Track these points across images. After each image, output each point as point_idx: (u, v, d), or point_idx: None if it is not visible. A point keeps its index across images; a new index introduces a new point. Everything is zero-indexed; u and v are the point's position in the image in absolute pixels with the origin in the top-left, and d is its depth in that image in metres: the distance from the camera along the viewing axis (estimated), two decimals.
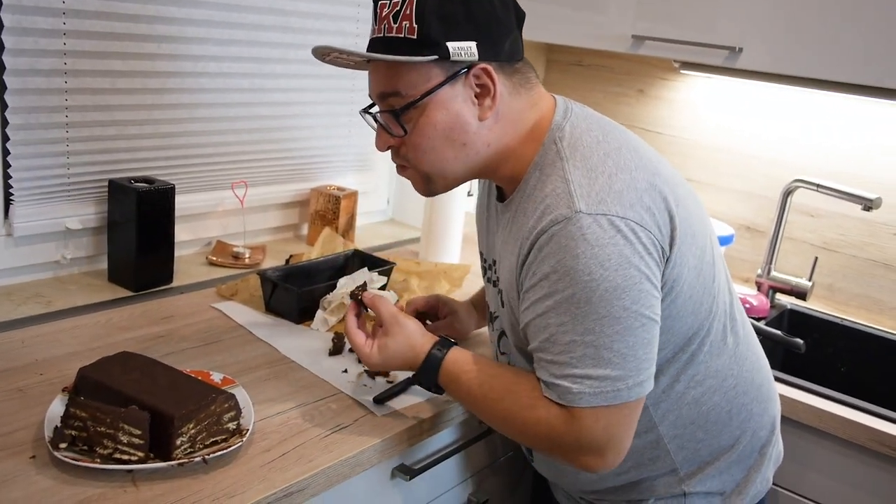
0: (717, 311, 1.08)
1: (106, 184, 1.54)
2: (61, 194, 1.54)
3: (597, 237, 0.93)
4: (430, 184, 1.09)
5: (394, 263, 1.65)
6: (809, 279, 1.82)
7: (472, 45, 0.98)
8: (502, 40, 1.01)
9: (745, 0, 1.64)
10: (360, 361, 1.32)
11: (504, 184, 1.10)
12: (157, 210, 1.53)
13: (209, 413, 1.01)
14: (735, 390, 1.12)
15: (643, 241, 0.95)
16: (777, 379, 1.41)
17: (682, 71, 2.01)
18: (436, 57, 0.98)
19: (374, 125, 1.09)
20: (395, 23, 0.98)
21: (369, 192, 2.18)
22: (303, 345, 1.38)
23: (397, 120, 1.02)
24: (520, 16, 1.05)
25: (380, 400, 1.20)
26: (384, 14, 1.00)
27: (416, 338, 1.10)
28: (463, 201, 1.91)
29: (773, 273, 1.87)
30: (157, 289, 1.56)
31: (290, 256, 1.76)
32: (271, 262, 1.79)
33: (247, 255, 1.76)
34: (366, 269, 1.51)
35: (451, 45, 0.97)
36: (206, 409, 1.00)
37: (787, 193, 1.82)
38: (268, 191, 1.93)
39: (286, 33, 1.81)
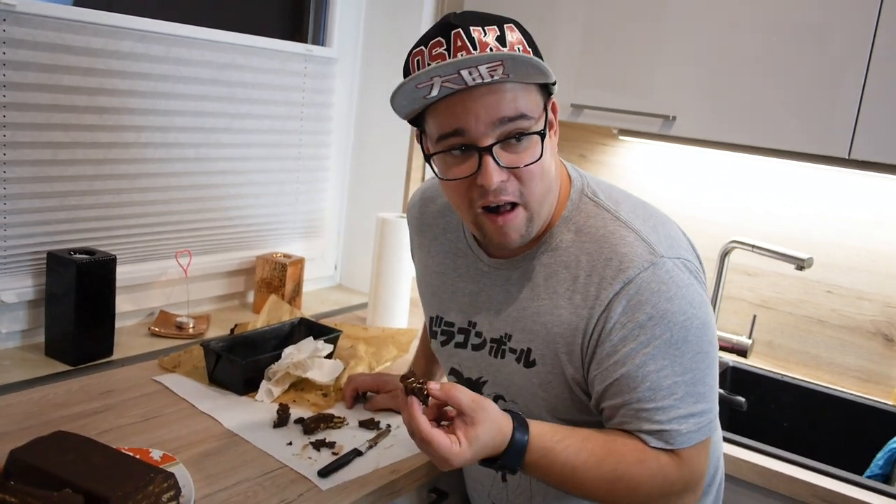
0: None
1: (44, 256, 1.51)
2: None
3: (681, 279, 0.98)
4: (531, 224, 1.02)
5: (340, 332, 1.64)
6: (749, 337, 1.86)
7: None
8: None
9: (677, 71, 1.72)
10: (314, 443, 1.31)
11: (534, 231, 1.04)
12: (98, 281, 1.50)
13: (147, 494, 0.98)
14: (718, 462, 1.17)
15: (703, 281, 1.03)
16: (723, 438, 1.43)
17: (620, 137, 2.07)
18: (555, 80, 0.98)
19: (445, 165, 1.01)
20: (503, 46, 0.93)
21: (316, 258, 2.18)
22: (247, 417, 1.35)
23: (542, 142, 0.97)
24: None
25: (325, 473, 1.18)
26: (482, 39, 0.92)
27: (500, 419, 0.97)
28: (409, 266, 1.92)
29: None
30: (97, 362, 1.52)
31: (235, 326, 1.74)
32: (216, 331, 1.76)
33: (191, 325, 1.73)
34: (311, 337, 1.51)
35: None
36: (144, 489, 0.97)
37: (725, 254, 1.88)
38: (212, 259, 1.91)
39: (232, 103, 1.83)
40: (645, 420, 0.97)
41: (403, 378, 0.97)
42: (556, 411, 1.07)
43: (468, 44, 0.92)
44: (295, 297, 1.96)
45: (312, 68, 2.02)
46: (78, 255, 1.50)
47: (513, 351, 1.08)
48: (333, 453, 1.25)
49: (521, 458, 0.96)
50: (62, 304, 1.49)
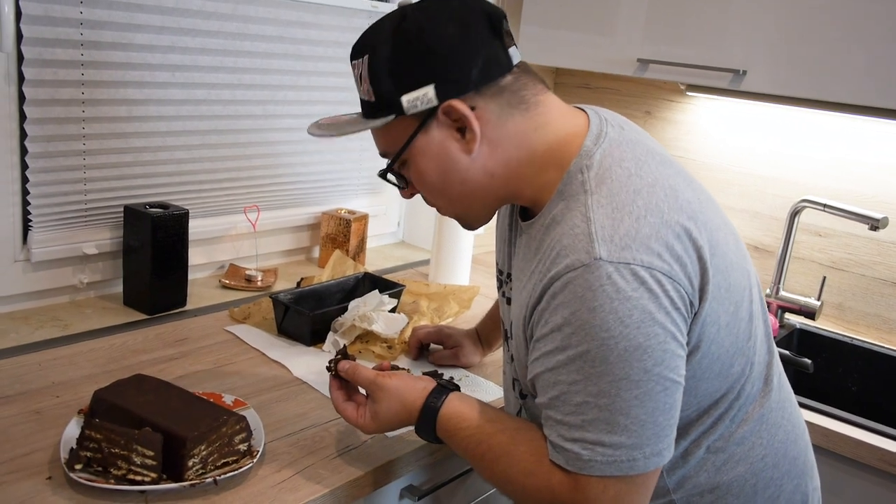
0: (750, 374, 0.98)
1: (122, 209, 1.58)
2: (78, 220, 1.58)
3: (617, 289, 0.82)
4: (463, 221, 1.06)
5: (403, 286, 1.67)
6: (818, 298, 1.82)
7: (429, 89, 0.92)
8: (467, 68, 0.91)
9: (748, 23, 1.66)
10: None
11: (529, 206, 1.01)
12: (172, 234, 1.56)
13: (220, 435, 1.03)
14: (763, 461, 1.00)
15: (670, 294, 0.84)
16: None
17: (687, 93, 2.03)
18: (392, 117, 0.94)
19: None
20: (360, 84, 0.97)
21: (380, 214, 2.21)
22: (314, 366, 1.40)
23: (389, 177, 1.02)
24: (495, 23, 0.93)
25: None
26: (356, 74, 0.98)
27: (406, 394, 1.03)
28: None
29: (782, 293, 1.87)
30: (172, 312, 1.59)
31: (302, 279, 1.79)
32: (283, 284, 1.81)
33: (259, 278, 1.79)
34: (376, 291, 1.54)
35: (404, 98, 0.93)
36: (218, 430, 1.02)
37: (795, 213, 1.84)
38: (279, 214, 1.96)
39: (297, 61, 1.85)
40: (551, 429, 0.89)
41: (330, 359, 1.13)
42: (524, 389, 1.03)
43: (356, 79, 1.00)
44: (359, 253, 2.00)
45: None
46: (153, 209, 1.55)
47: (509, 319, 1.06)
48: None
49: (433, 434, 1.02)
50: (139, 255, 1.55)
